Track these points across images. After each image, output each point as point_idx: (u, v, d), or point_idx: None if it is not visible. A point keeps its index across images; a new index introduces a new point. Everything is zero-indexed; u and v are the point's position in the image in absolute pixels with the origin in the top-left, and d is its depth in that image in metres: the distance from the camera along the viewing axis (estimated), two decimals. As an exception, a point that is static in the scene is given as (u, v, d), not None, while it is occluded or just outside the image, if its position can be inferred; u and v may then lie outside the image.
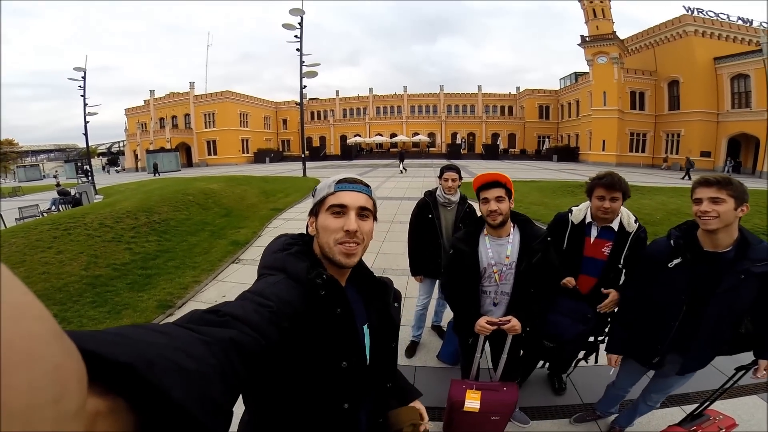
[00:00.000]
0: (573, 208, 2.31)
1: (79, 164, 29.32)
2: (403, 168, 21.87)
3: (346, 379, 0.87)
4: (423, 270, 3.13)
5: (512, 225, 1.98)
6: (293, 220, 9.00)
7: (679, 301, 1.74)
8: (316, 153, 41.66)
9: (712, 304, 1.66)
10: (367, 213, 0.93)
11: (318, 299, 0.81)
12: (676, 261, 1.74)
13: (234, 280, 5.15)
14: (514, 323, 1.94)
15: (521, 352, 2.22)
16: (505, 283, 1.98)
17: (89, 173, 21.69)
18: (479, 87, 47.40)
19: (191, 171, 32.01)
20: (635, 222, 2.14)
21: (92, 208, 8.52)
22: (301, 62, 18.69)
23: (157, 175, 28.41)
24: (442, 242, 2.92)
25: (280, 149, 47.50)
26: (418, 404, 1.21)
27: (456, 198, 2.94)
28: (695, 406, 2.05)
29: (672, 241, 1.77)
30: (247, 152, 43.22)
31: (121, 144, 55.12)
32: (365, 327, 0.99)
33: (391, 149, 43.56)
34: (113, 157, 55.66)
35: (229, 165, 37.76)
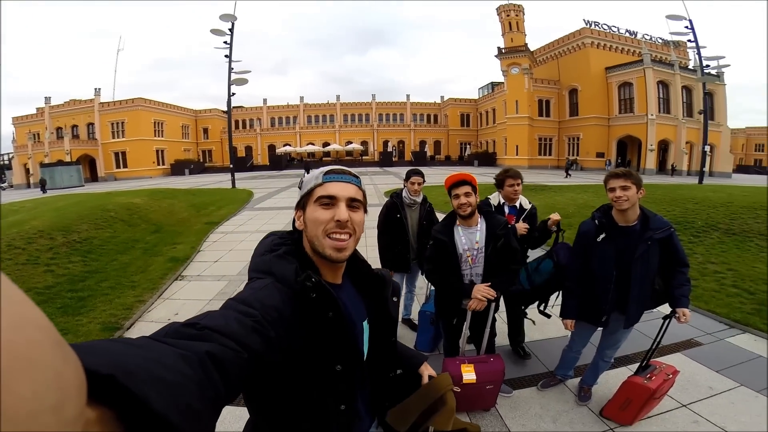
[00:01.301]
0: (489, 197, 3.08)
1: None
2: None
3: (341, 381, 0.86)
4: (392, 265, 3.36)
5: (479, 216, 2.38)
6: (233, 233, 8.66)
7: (611, 268, 2.24)
8: (243, 163, 39.88)
9: (634, 267, 2.17)
10: (357, 204, 0.90)
11: (309, 302, 0.77)
12: (602, 236, 2.26)
13: (182, 297, 4.90)
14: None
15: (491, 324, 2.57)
16: (478, 265, 2.36)
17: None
18: (408, 96, 49.68)
19: (98, 186, 28.66)
20: (529, 203, 3.04)
21: (-9, 229, 7.41)
22: (231, 69, 18.02)
23: (44, 192, 24.74)
24: (409, 239, 3.24)
25: (201, 160, 44.81)
26: (428, 368, 1.22)
27: (419, 199, 3.28)
28: (647, 356, 2.45)
29: (596, 221, 2.30)
30: (163, 164, 40.13)
31: (6, 157, 47.36)
32: (365, 323, 0.97)
33: (323, 158, 43.41)
34: (-4, 172, 47.57)
35: (142, 178, 34.64)
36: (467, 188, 2.24)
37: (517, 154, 35.24)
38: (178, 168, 38.91)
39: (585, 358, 2.75)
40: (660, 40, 34.52)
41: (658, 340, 2.41)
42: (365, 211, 0.94)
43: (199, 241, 7.76)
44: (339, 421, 0.88)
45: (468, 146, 46.31)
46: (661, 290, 2.29)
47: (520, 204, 3.02)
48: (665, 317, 2.35)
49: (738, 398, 2.66)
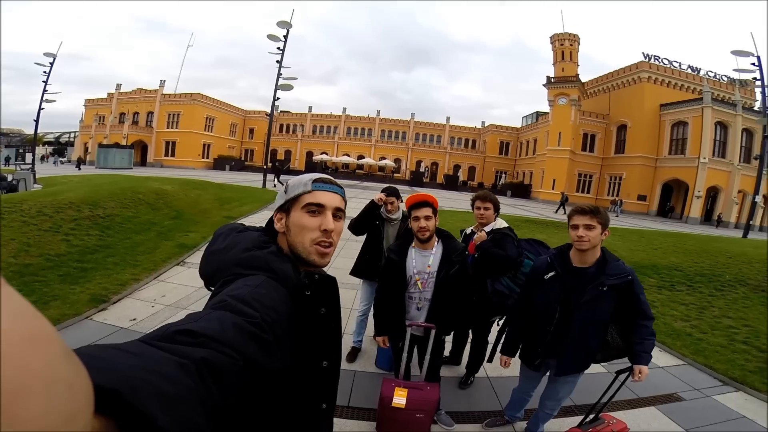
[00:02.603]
0: (469, 227, 3.14)
1: (20, 150, 27.24)
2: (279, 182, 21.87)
3: (325, 378, 0.89)
4: (362, 273, 3.41)
5: (437, 239, 2.33)
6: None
7: (553, 308, 2.11)
8: (280, 166, 41.24)
9: (578, 311, 2.03)
10: (340, 214, 0.93)
11: (302, 299, 0.80)
12: (551, 274, 2.13)
13: (176, 282, 5.11)
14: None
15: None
16: (427, 290, 2.31)
17: (33, 160, 20.32)
18: (447, 119, 49.80)
19: (145, 170, 30.60)
20: (506, 226, 2.89)
21: (31, 195, 8.08)
22: (279, 75, 18.85)
23: (78, 169, 27.32)
24: (383, 248, 3.23)
25: (243, 158, 46.73)
26: None
27: (397, 216, 3.30)
28: (594, 411, 2.36)
29: (549, 258, 2.18)
30: (208, 157, 42.20)
31: (72, 135, 51.74)
32: None
33: (356, 170, 44.06)
34: (60, 147, 52.01)
35: (186, 168, 36.51)
36: (428, 211, 2.20)
37: (553, 188, 34.04)
38: (220, 163, 40.76)
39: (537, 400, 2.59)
40: (725, 78, 32.15)
41: (609, 394, 2.24)
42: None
43: (211, 232, 8.03)
44: (318, 422, 0.90)
45: (504, 175, 45.50)
46: (617, 344, 2.12)
47: (492, 229, 2.93)
48: (619, 372, 2.18)
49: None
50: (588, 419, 2.33)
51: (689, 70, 32.75)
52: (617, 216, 25.35)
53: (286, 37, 18.73)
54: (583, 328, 2.06)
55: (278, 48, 18.72)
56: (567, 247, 2.17)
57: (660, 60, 32.12)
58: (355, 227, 3.32)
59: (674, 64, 32.42)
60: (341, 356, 0.99)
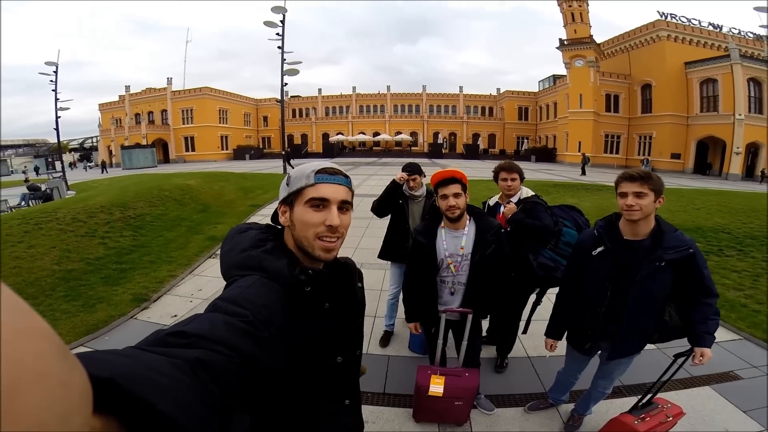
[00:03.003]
0: (488, 200, 2.96)
1: (49, 159, 28.31)
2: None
3: (343, 373, 0.86)
4: (391, 255, 3.28)
5: (468, 218, 2.11)
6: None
7: (604, 287, 1.88)
8: (298, 151, 41.28)
9: (632, 290, 1.80)
10: (347, 206, 0.89)
11: (303, 296, 0.78)
12: (599, 249, 1.89)
13: (210, 275, 5.18)
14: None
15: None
16: (461, 273, 2.11)
17: (63, 168, 21.08)
18: (461, 88, 48.01)
19: (168, 167, 31.30)
20: (533, 194, 2.69)
21: (64, 203, 8.35)
22: (283, 60, 18.59)
23: (103, 173, 28.42)
24: (409, 229, 3.08)
25: (261, 146, 46.98)
26: None
27: (421, 192, 3.11)
28: (647, 395, 2.18)
29: (595, 231, 1.93)
30: (227, 149, 42.60)
31: (95, 140, 53.36)
32: None
33: (373, 147, 43.69)
34: (86, 153, 53.86)
35: (207, 161, 37.09)
36: (456, 187, 1.97)
37: (579, 151, 32.75)
38: (240, 153, 41.16)
39: (585, 381, 2.42)
40: (751, 35, 29.88)
41: (663, 379, 2.04)
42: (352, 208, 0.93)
43: (239, 222, 8.13)
44: (344, 420, 0.88)
45: (526, 140, 44.01)
46: (675, 324, 1.91)
47: (519, 199, 2.72)
48: (677, 355, 1.97)
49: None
50: (641, 403, 2.14)
51: (711, 28, 30.61)
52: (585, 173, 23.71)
53: (283, 22, 18.31)
54: (638, 308, 1.84)
55: (277, 34, 18.33)
56: (615, 217, 1.91)
57: (677, 18, 30.19)
58: (378, 210, 3.19)
59: (693, 21, 30.37)
60: (362, 349, 0.97)
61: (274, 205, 1.10)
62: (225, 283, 0.82)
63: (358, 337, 0.99)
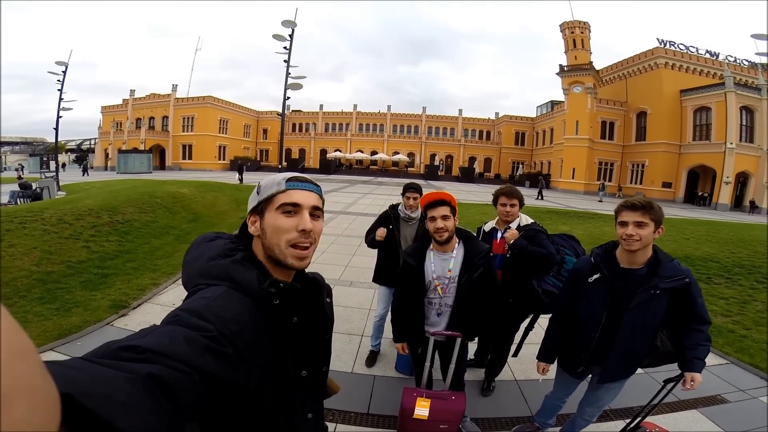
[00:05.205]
0: (486, 223, 2.91)
1: (44, 158, 28.11)
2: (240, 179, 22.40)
3: (308, 388, 0.86)
4: (383, 280, 3.28)
5: (457, 241, 2.12)
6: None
7: (599, 313, 1.89)
8: (295, 165, 41.49)
9: (627, 317, 1.81)
10: (318, 213, 0.88)
11: (271, 309, 0.76)
12: (595, 276, 1.91)
13: (194, 284, 5.08)
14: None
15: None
16: (448, 295, 2.12)
17: (56, 168, 20.88)
18: (460, 111, 49.02)
19: (163, 174, 31.18)
20: (532, 221, 2.71)
21: (52, 203, 8.23)
22: (288, 74, 18.83)
23: (84, 174, 28.37)
24: (401, 253, 3.06)
25: (258, 159, 47.14)
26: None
27: (416, 214, 3.12)
28: (636, 419, 2.18)
29: (592, 258, 1.95)
30: (224, 159, 42.72)
31: (92, 141, 53.23)
32: None
33: (370, 166, 44.02)
34: (82, 154, 53.61)
35: (203, 171, 37.10)
36: (445, 210, 1.99)
37: (573, 178, 33.21)
38: (236, 164, 41.26)
39: (572, 405, 2.40)
40: (746, 63, 30.81)
41: (653, 403, 2.05)
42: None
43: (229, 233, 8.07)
44: (308, 431, 0.88)
45: (521, 166, 44.65)
46: (667, 349, 1.90)
47: (519, 225, 2.71)
48: (667, 380, 1.96)
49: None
50: (629, 427, 2.15)
51: (707, 55, 31.54)
52: (600, 201, 24.28)
53: (291, 36, 18.64)
54: (632, 334, 1.84)
55: (284, 47, 18.64)
56: (612, 246, 1.94)
57: (676, 46, 31.11)
58: (372, 243, 3.22)
59: (691, 49, 31.29)
60: (328, 366, 0.98)
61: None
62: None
63: (325, 354, 0.97)
